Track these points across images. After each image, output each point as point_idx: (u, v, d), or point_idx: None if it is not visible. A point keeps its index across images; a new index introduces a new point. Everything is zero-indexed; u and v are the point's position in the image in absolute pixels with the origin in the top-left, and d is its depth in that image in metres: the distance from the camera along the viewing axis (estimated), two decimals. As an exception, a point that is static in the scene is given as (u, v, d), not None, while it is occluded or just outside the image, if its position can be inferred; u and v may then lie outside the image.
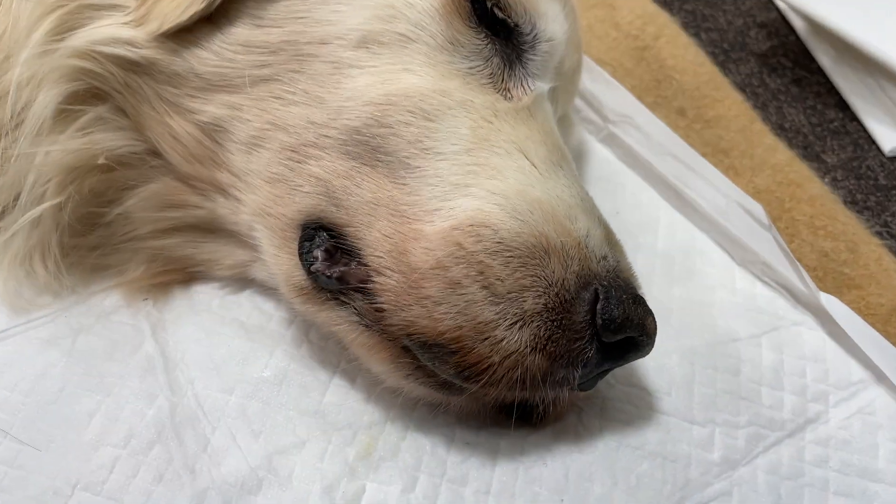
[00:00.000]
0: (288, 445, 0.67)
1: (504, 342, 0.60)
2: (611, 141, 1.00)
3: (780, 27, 1.31)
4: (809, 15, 1.15)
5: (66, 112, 0.70)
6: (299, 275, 0.67)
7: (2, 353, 0.71)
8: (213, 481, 0.64)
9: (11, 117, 0.69)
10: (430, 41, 0.67)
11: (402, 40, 0.67)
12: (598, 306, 0.61)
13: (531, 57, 0.72)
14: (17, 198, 0.72)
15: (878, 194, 1.03)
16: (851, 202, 1.01)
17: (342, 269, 0.65)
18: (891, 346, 0.76)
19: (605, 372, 0.65)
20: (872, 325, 0.78)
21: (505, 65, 0.71)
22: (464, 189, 0.63)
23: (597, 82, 1.03)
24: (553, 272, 0.61)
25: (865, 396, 0.74)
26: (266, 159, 0.67)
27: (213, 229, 0.76)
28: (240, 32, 0.68)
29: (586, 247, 0.63)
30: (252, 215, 0.69)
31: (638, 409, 0.72)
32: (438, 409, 0.68)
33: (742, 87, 1.17)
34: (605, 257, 0.64)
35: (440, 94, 0.66)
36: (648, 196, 0.93)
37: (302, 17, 0.67)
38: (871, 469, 0.70)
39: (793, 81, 1.20)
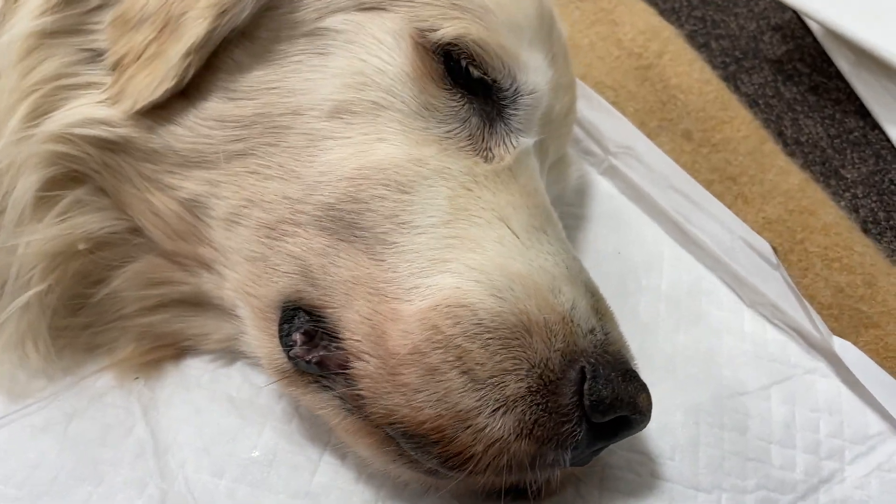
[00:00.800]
0: (278, 532, 0.66)
1: (487, 430, 0.57)
2: (612, 174, 0.96)
3: (796, 29, 1.25)
4: (822, 21, 1.09)
5: (44, 198, 0.69)
6: (280, 358, 0.66)
7: (-1, 443, 0.71)
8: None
9: (-6, 206, 0.69)
10: (404, 108, 0.65)
11: (375, 108, 0.65)
12: (586, 386, 0.59)
13: (513, 112, 0.69)
14: (3, 285, 0.72)
15: (903, 211, 0.98)
16: (873, 222, 0.96)
17: (322, 353, 0.63)
18: (911, 393, 0.72)
19: (600, 449, 0.63)
20: (891, 368, 0.73)
21: (484, 123, 0.68)
22: (442, 265, 0.61)
23: (596, 111, 0.99)
24: (536, 352, 0.59)
25: (884, 451, 0.70)
26: (244, 237, 0.66)
27: (199, 303, 0.75)
28: (213, 107, 0.66)
29: (571, 321, 0.61)
30: (234, 293, 0.68)
31: (640, 478, 0.69)
32: (430, 490, 0.66)
33: (756, 99, 1.12)
34: (592, 330, 0.61)
35: (415, 164, 0.63)
36: (652, 232, 0.90)
37: (274, 88, 0.66)
38: (892, 531, 0.66)
39: (810, 89, 1.15)
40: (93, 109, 0.67)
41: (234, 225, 0.66)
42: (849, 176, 1.02)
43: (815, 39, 1.22)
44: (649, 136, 1.01)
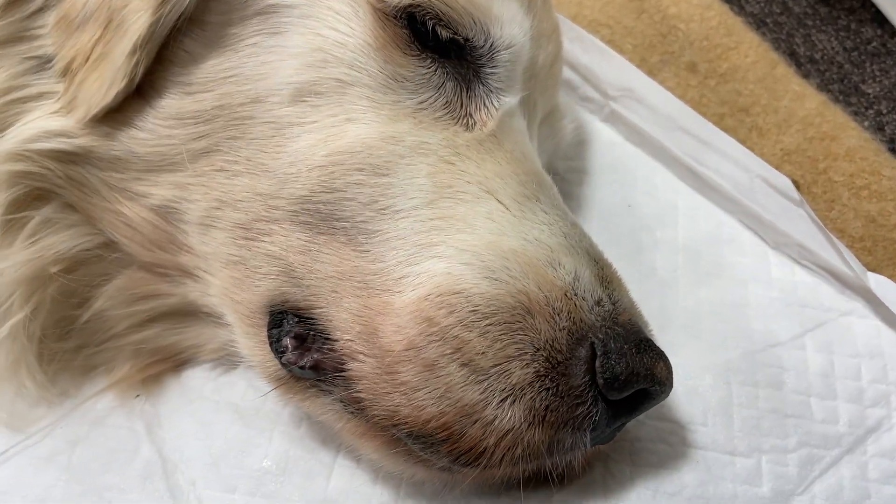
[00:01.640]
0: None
1: (496, 422, 0.54)
2: (614, 120, 0.90)
3: (800, -64, 1.16)
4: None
5: (10, 222, 0.66)
6: (273, 365, 0.63)
7: (2, 478, 0.69)
8: None
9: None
10: (370, 82, 0.60)
11: (340, 86, 0.60)
12: (597, 364, 0.55)
13: (491, 71, 0.64)
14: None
15: (932, 123, 0.91)
16: (901, 138, 0.89)
17: (315, 356, 0.60)
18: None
19: (622, 425, 0.58)
20: (934, 301, 0.67)
21: (461, 87, 0.63)
22: (430, 249, 0.57)
23: (590, 53, 0.93)
24: (540, 333, 0.54)
25: (934, 391, 0.64)
26: (220, 240, 0.62)
27: (189, 313, 0.72)
28: (171, 104, 0.62)
29: (575, 294, 0.56)
30: (219, 300, 0.65)
31: (672, 448, 0.65)
32: (448, 487, 0.62)
33: (763, 18, 1.04)
34: (598, 302, 0.57)
35: (390, 143, 0.59)
36: (663, 179, 0.84)
37: (231, 76, 0.61)
38: (950, 478, 0.61)
39: (820, 0, 1.06)
40: (47, 121, 0.63)
41: (209, 228, 0.62)
42: (870, 91, 0.95)
43: (821, -55, 1.13)
44: (651, 73, 0.95)
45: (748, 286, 0.74)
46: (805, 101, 0.88)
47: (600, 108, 0.91)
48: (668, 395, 0.58)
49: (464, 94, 0.63)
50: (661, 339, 0.61)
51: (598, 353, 0.55)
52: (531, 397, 0.54)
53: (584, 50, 0.93)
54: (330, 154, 0.58)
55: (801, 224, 0.74)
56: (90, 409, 0.73)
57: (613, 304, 0.58)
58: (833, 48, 1.00)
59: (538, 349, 0.54)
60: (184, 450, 0.69)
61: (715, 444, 0.64)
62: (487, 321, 0.54)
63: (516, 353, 0.54)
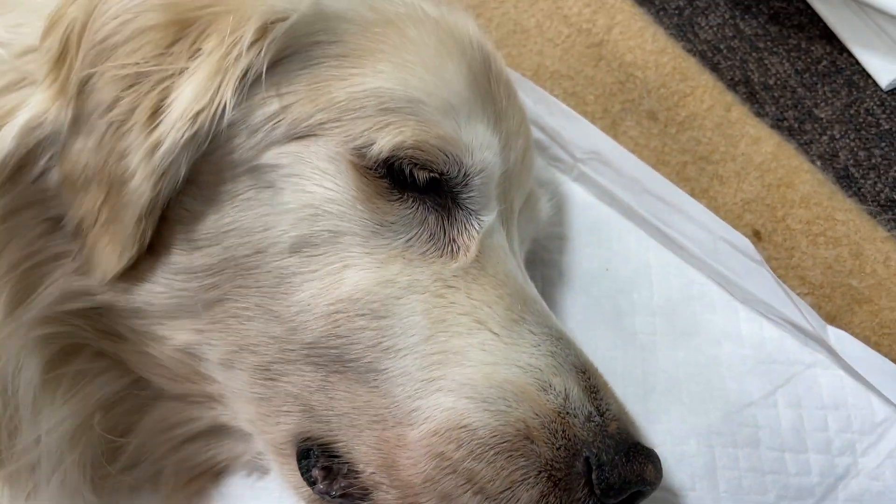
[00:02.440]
0: None
1: None
2: (584, 181, 0.95)
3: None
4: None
5: (49, 380, 0.71)
6: (306, 490, 0.69)
7: None
8: None
9: (5, 407, 0.71)
10: (360, 230, 0.65)
11: (333, 237, 0.65)
12: (593, 476, 0.61)
13: (468, 196, 0.68)
14: (35, 467, 0.74)
15: (883, 145, 0.96)
16: (854, 164, 0.95)
17: (343, 484, 0.66)
18: (909, 372, 0.74)
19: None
20: (888, 346, 0.74)
21: (442, 217, 0.68)
22: (434, 383, 0.63)
23: (556, 116, 0.97)
24: (540, 456, 0.61)
25: (893, 436, 0.72)
26: (243, 379, 0.68)
27: (223, 431, 0.78)
28: (179, 260, 0.66)
29: (567, 413, 0.62)
30: (248, 426, 0.71)
31: (665, 515, 0.72)
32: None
33: (716, 45, 1.08)
34: (588, 417, 0.63)
35: (385, 286, 0.64)
36: (636, 239, 0.89)
37: (232, 230, 0.65)
38: (912, 515, 0.69)
39: (770, 19, 1.10)
40: (68, 282, 0.67)
41: (231, 369, 0.68)
42: (823, 115, 1.00)
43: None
44: (614, 122, 1.00)
45: (721, 344, 0.80)
46: (761, 144, 0.93)
47: (570, 169, 0.96)
48: (657, 486, 0.66)
49: (445, 221, 0.67)
50: (646, 407, 0.67)
51: (594, 467, 0.61)
52: None
53: (551, 114, 0.97)
54: (332, 303, 0.63)
55: (763, 282, 0.80)
56: (142, 530, 0.80)
57: (602, 415, 0.64)
58: (785, 71, 1.05)
59: (541, 471, 0.61)
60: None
61: (703, 507, 0.72)
62: (493, 451, 0.60)
63: (521, 478, 0.60)
